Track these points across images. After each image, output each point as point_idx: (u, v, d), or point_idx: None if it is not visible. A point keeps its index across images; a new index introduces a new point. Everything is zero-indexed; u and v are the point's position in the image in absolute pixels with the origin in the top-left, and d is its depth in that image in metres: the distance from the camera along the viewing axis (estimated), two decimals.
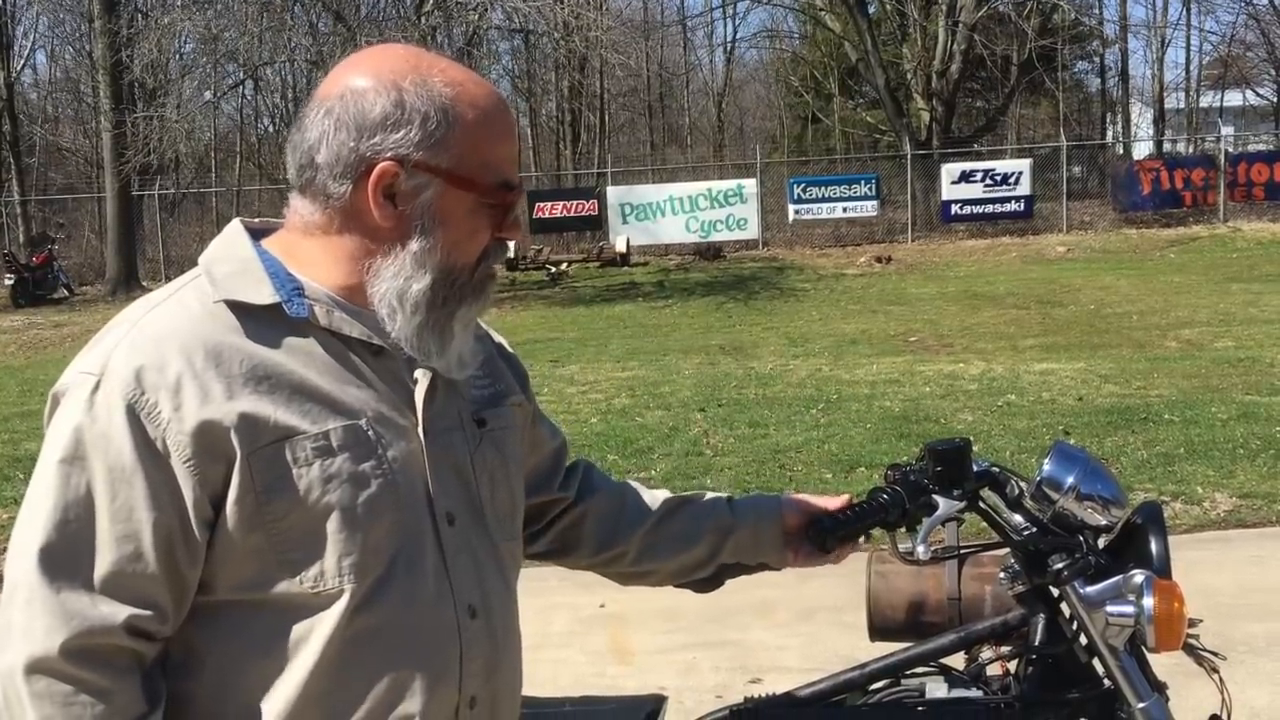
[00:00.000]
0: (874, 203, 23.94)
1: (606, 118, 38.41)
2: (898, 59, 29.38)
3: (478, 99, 1.38)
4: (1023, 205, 23.78)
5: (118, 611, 1.27)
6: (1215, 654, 1.75)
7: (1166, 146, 34.85)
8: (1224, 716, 1.73)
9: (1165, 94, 37.26)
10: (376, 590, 1.35)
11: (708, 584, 1.82)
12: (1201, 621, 1.72)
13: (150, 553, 1.28)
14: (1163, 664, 1.70)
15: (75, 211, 30.08)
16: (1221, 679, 1.75)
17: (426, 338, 1.39)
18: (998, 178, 23.75)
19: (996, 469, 1.78)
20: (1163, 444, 7.47)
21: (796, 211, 23.98)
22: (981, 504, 1.75)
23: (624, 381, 11.11)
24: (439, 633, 1.38)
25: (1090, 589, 1.66)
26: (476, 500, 1.45)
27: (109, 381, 1.29)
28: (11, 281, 22.62)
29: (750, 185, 23.99)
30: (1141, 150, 33.44)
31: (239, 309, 1.35)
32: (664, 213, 23.79)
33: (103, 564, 1.28)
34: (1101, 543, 1.72)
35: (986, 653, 1.84)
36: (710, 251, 23.29)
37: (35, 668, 1.25)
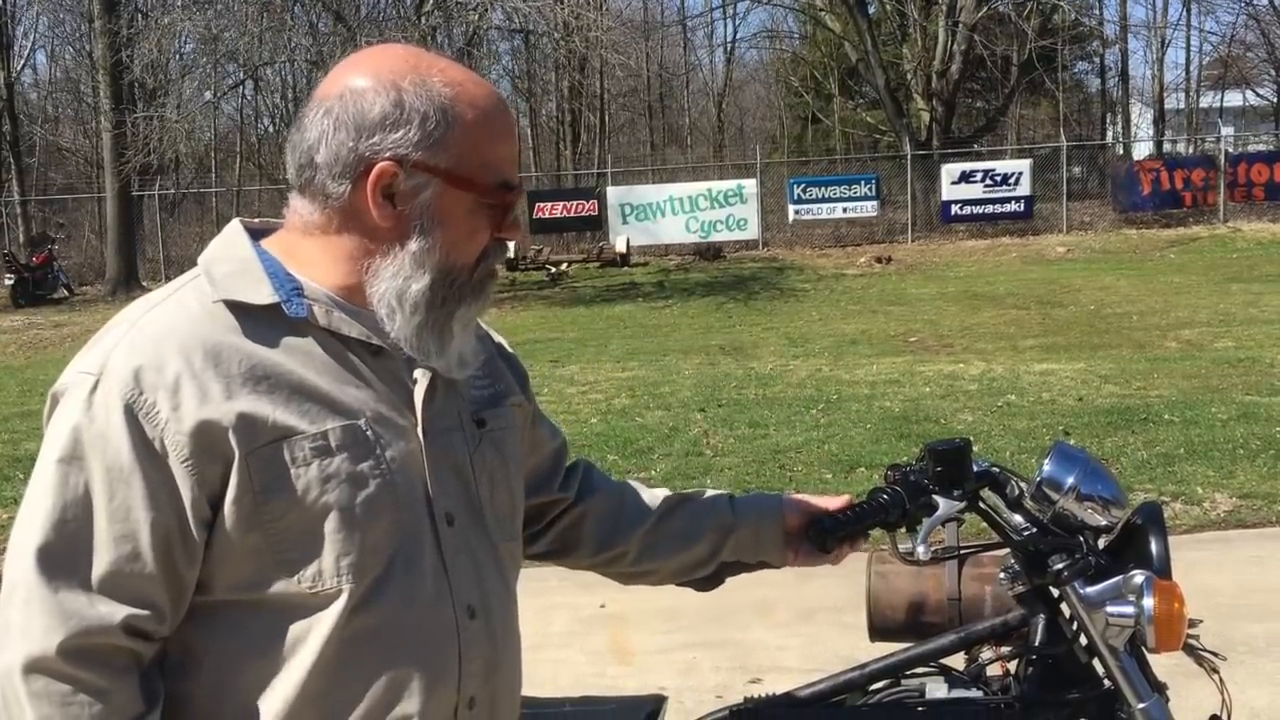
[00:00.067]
0: (874, 203, 23.94)
1: (606, 118, 38.41)
2: (898, 59, 29.38)
3: (477, 99, 1.38)
4: (1023, 205, 23.78)
5: (115, 611, 1.27)
6: (1215, 654, 1.75)
7: (1166, 147, 34.85)
8: (1224, 717, 1.73)
9: (1165, 94, 37.29)
10: (375, 590, 1.34)
11: (708, 582, 1.82)
12: (1201, 622, 1.72)
13: (148, 552, 1.28)
14: (1163, 664, 1.70)
15: (75, 211, 30.09)
16: (1221, 679, 1.75)
17: (426, 337, 1.39)
18: (998, 178, 23.75)
19: (996, 469, 1.78)
20: (1163, 444, 7.46)
21: (796, 212, 23.99)
22: (981, 504, 1.75)
23: (624, 382, 11.10)
24: (437, 633, 1.38)
25: (1090, 589, 1.66)
26: (476, 500, 1.45)
27: (107, 381, 1.29)
28: (11, 281, 22.63)
29: (750, 185, 23.99)
30: (1141, 150, 33.44)
31: (238, 309, 1.35)
32: (664, 213, 23.79)
33: (100, 564, 1.28)
34: (1102, 543, 1.72)
35: (986, 653, 1.83)
36: (710, 252, 23.28)
37: (33, 667, 1.25)
